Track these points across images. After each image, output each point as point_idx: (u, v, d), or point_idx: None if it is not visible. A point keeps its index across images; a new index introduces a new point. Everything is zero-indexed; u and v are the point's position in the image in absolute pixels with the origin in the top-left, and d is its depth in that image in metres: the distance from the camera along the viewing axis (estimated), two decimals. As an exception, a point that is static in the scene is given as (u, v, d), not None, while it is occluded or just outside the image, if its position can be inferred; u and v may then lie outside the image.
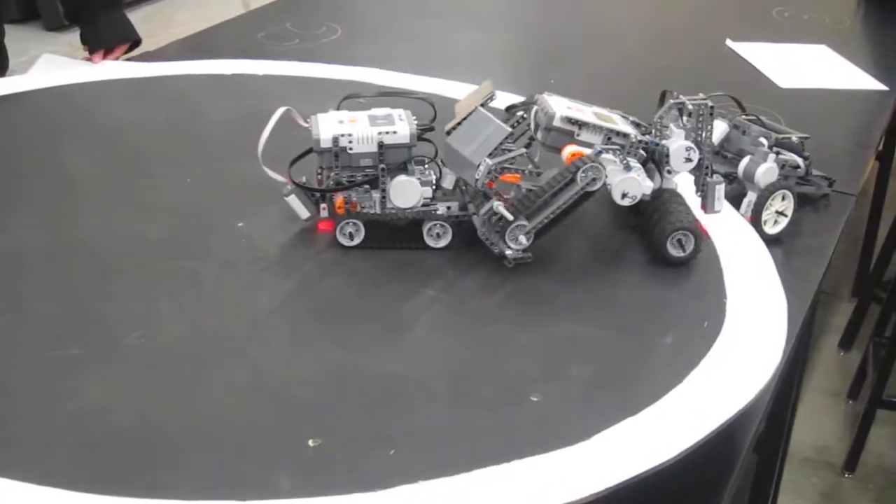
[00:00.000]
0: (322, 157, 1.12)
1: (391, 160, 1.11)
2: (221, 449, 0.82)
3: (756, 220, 1.24)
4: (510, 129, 1.10)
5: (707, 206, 1.14)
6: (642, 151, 1.12)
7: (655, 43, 2.11)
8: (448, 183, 1.15)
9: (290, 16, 2.14)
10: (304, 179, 1.14)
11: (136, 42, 1.96)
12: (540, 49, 2.08)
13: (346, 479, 0.79)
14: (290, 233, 1.16)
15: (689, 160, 1.11)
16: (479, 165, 1.08)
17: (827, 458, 2.56)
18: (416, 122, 1.13)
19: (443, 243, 1.14)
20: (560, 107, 1.10)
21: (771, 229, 1.26)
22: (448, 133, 1.13)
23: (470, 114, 1.12)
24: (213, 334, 0.98)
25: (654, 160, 1.13)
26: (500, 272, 1.09)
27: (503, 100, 1.21)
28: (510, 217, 1.07)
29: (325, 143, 1.10)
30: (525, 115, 1.16)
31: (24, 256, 1.10)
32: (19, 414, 0.86)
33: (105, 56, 1.89)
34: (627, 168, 1.08)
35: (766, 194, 1.25)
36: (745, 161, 1.29)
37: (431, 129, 1.14)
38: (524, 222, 1.07)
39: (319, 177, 1.15)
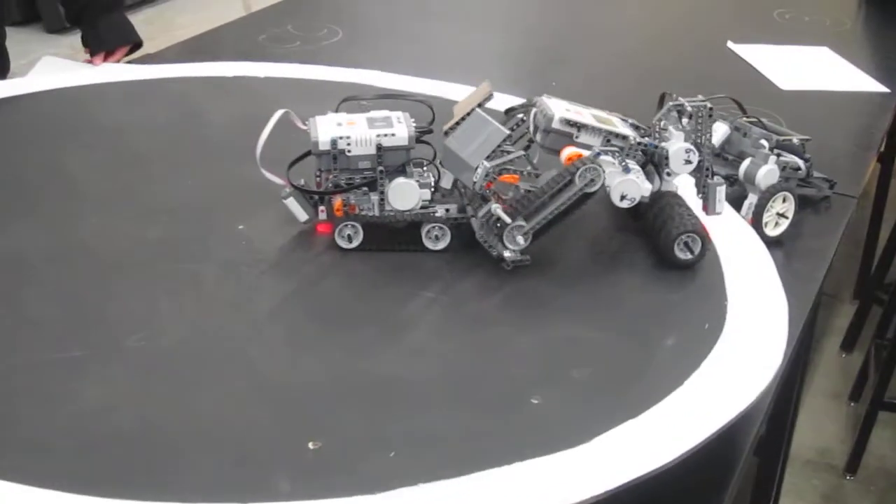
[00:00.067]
0: (320, 160, 1.12)
1: (389, 162, 1.11)
2: (221, 451, 0.82)
3: (757, 222, 1.24)
4: (508, 132, 1.10)
5: (708, 207, 1.14)
6: (641, 153, 1.11)
7: (656, 44, 2.10)
8: (446, 185, 1.15)
9: (291, 18, 2.14)
10: (302, 182, 1.14)
11: (137, 44, 1.96)
12: (540, 51, 2.08)
13: (346, 481, 0.79)
14: (288, 235, 1.16)
15: (688, 162, 1.11)
16: (477, 168, 1.08)
17: (828, 460, 2.56)
18: (414, 124, 1.12)
19: (441, 245, 1.13)
20: (559, 109, 1.10)
21: (772, 231, 1.26)
22: (446, 134, 1.13)
23: (467, 115, 1.12)
24: (213, 336, 0.98)
25: (654, 162, 1.13)
26: (499, 274, 1.09)
27: (503, 101, 1.21)
28: (507, 219, 1.07)
29: (324, 145, 1.10)
30: (524, 117, 1.16)
31: (25, 258, 1.10)
32: (19, 416, 0.86)
33: (106, 58, 1.89)
34: (626, 170, 1.08)
35: (767, 196, 1.25)
36: (745, 163, 1.28)
37: (430, 131, 1.14)
38: (522, 223, 1.07)
39: (318, 179, 1.15)
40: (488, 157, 1.08)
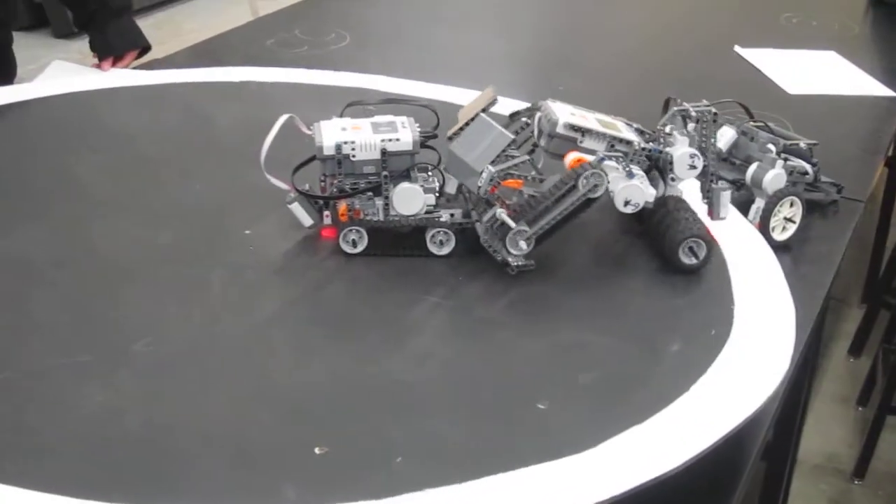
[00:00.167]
0: (325, 165, 1.12)
1: (394, 167, 1.11)
2: (228, 456, 0.82)
3: (764, 227, 1.24)
4: (512, 136, 1.09)
5: (713, 212, 1.14)
6: (646, 158, 1.11)
7: (663, 48, 2.10)
8: (451, 190, 1.15)
9: (298, 23, 2.14)
10: (307, 187, 1.14)
11: (146, 48, 1.97)
12: (546, 54, 2.08)
13: (353, 486, 0.79)
14: (293, 240, 1.16)
15: (693, 167, 1.11)
16: (481, 172, 1.08)
17: (836, 465, 2.55)
18: (419, 129, 1.13)
19: (446, 250, 1.14)
20: (563, 113, 1.10)
21: (779, 236, 1.26)
22: (450, 139, 1.13)
23: (472, 120, 1.12)
24: (219, 341, 0.99)
25: (658, 167, 1.13)
26: (504, 279, 1.09)
27: (508, 105, 1.21)
28: (512, 224, 1.07)
29: (328, 150, 1.10)
30: (528, 121, 1.16)
31: (33, 262, 1.10)
32: (27, 421, 0.86)
33: (115, 63, 1.89)
34: (630, 175, 1.07)
35: (774, 201, 1.24)
36: (753, 167, 1.28)
37: (434, 136, 1.14)
38: (525, 228, 1.07)
39: (323, 184, 1.15)
40: (493, 162, 1.08)
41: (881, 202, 2.99)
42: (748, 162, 1.31)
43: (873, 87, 1.88)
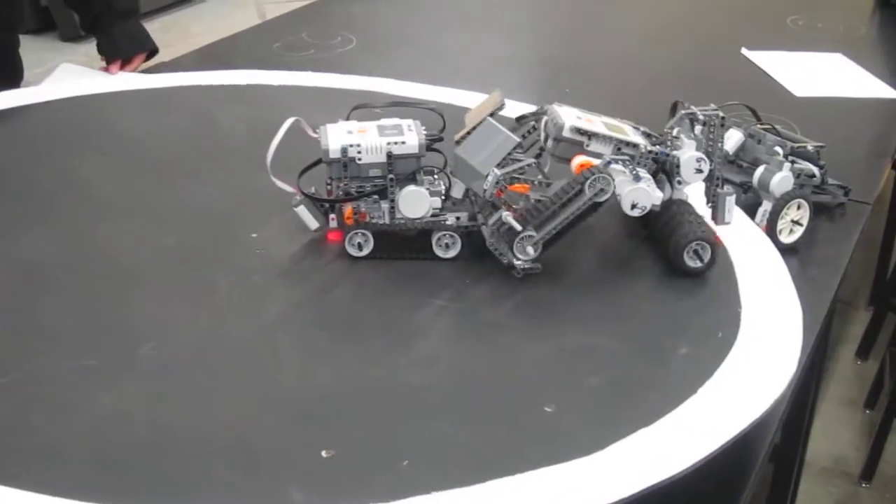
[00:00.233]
0: (331, 168, 1.12)
1: (400, 170, 1.11)
2: (234, 459, 0.82)
3: (771, 230, 1.24)
4: (518, 139, 1.09)
5: (718, 217, 1.14)
6: (652, 162, 1.11)
7: (670, 51, 2.10)
8: (457, 193, 1.14)
9: (305, 26, 2.14)
10: (313, 190, 1.14)
11: (153, 51, 1.97)
12: (552, 58, 2.07)
13: (360, 490, 0.79)
14: (299, 243, 1.16)
15: (699, 171, 1.11)
16: (487, 175, 1.07)
17: (843, 468, 2.55)
18: (425, 132, 1.12)
19: (452, 254, 1.13)
20: (569, 117, 1.10)
21: (786, 238, 1.26)
22: (458, 143, 1.13)
23: (479, 124, 1.12)
24: (225, 345, 0.99)
25: (665, 171, 1.13)
26: (510, 282, 1.09)
27: (515, 108, 1.21)
28: (518, 227, 1.07)
29: (334, 153, 1.10)
30: (535, 125, 1.16)
31: (40, 266, 1.10)
32: (33, 424, 0.86)
33: (122, 67, 1.89)
34: (637, 179, 1.07)
35: (781, 203, 1.24)
36: (760, 170, 1.28)
37: (440, 139, 1.14)
38: (532, 233, 1.07)
39: (329, 187, 1.15)
40: (499, 165, 1.08)
41: (888, 205, 2.98)
42: (755, 164, 1.31)
43: (880, 89, 1.88)
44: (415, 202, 1.11)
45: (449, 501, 0.78)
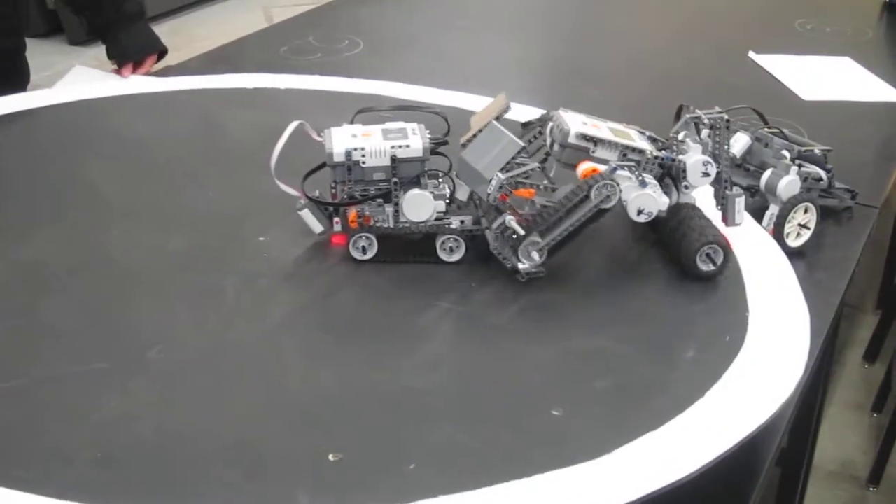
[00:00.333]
0: (335, 171, 1.12)
1: (404, 174, 1.11)
2: (241, 463, 0.82)
3: (778, 233, 1.24)
4: (523, 144, 1.09)
5: (728, 219, 1.14)
6: (658, 167, 1.11)
7: (677, 55, 2.10)
8: (462, 197, 1.14)
9: (312, 30, 2.15)
10: (317, 193, 1.14)
11: (163, 52, 1.97)
12: (559, 61, 2.07)
13: (367, 493, 0.79)
14: (304, 246, 1.16)
15: (706, 175, 1.11)
16: (491, 179, 1.07)
17: (851, 472, 2.54)
18: (429, 135, 1.12)
19: (456, 257, 1.13)
20: (575, 123, 1.10)
21: (793, 242, 1.26)
22: (462, 146, 1.13)
23: (483, 127, 1.12)
24: (232, 348, 0.99)
25: (672, 175, 1.13)
26: (515, 286, 1.09)
27: (522, 112, 1.21)
28: (522, 232, 1.07)
29: (338, 156, 1.10)
30: (541, 129, 1.16)
31: (47, 269, 1.10)
32: (41, 427, 0.86)
33: (135, 69, 1.90)
34: (643, 184, 1.07)
35: (788, 207, 1.24)
36: (767, 174, 1.28)
37: (445, 142, 1.14)
38: (537, 239, 1.07)
39: (333, 191, 1.15)
40: (503, 169, 1.08)
41: (896, 208, 2.98)
42: (762, 168, 1.30)
43: (888, 93, 1.87)
44: (419, 206, 1.11)
45: (456, 505, 0.78)
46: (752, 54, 2.05)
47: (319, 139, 1.13)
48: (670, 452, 0.84)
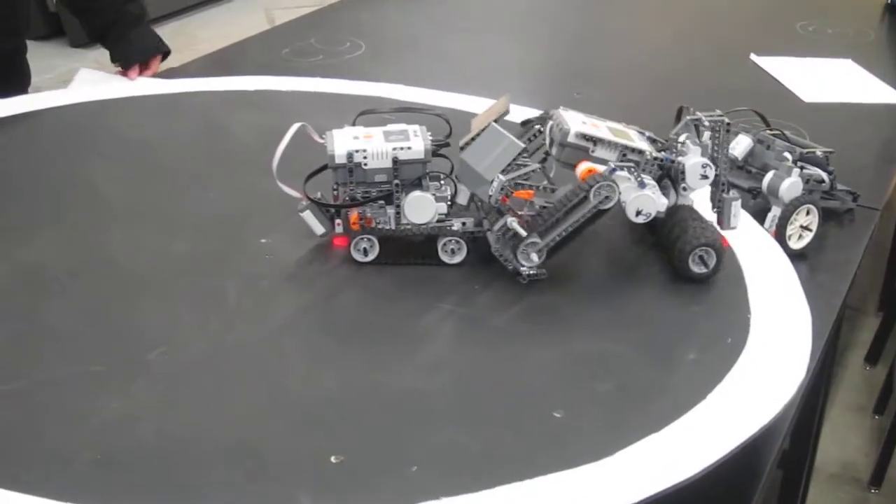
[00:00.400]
0: (337, 173, 1.12)
1: (406, 176, 1.11)
2: (243, 465, 0.82)
3: (780, 235, 1.24)
4: (523, 145, 1.09)
5: (723, 222, 1.14)
6: (658, 168, 1.11)
7: (679, 57, 2.10)
8: (463, 198, 1.14)
9: (314, 32, 2.15)
10: (319, 195, 1.14)
11: (166, 53, 1.97)
12: (560, 63, 2.07)
13: (369, 495, 0.79)
14: (305, 248, 1.16)
15: (704, 177, 1.11)
16: (492, 181, 1.07)
17: (853, 474, 2.54)
18: (431, 137, 1.12)
19: (458, 259, 1.13)
20: (575, 122, 1.09)
21: (795, 244, 1.26)
22: (462, 148, 1.13)
23: (484, 129, 1.12)
24: (234, 350, 0.99)
25: (670, 177, 1.13)
26: (517, 288, 1.09)
27: (523, 113, 1.21)
28: (522, 233, 1.06)
29: (340, 158, 1.10)
30: (541, 129, 1.15)
31: (48, 271, 1.10)
32: (42, 429, 0.86)
33: (141, 71, 1.89)
34: (642, 185, 1.07)
35: (790, 209, 1.24)
36: (769, 176, 1.28)
37: (447, 144, 1.14)
38: (536, 240, 1.07)
39: (335, 192, 1.15)
40: (504, 171, 1.08)
41: (898, 210, 2.98)
42: (764, 170, 1.30)
43: (889, 95, 1.87)
44: (420, 208, 1.11)
45: (457, 507, 0.78)
46: (753, 56, 2.05)
47: (321, 141, 1.13)
48: (672, 455, 0.84)
